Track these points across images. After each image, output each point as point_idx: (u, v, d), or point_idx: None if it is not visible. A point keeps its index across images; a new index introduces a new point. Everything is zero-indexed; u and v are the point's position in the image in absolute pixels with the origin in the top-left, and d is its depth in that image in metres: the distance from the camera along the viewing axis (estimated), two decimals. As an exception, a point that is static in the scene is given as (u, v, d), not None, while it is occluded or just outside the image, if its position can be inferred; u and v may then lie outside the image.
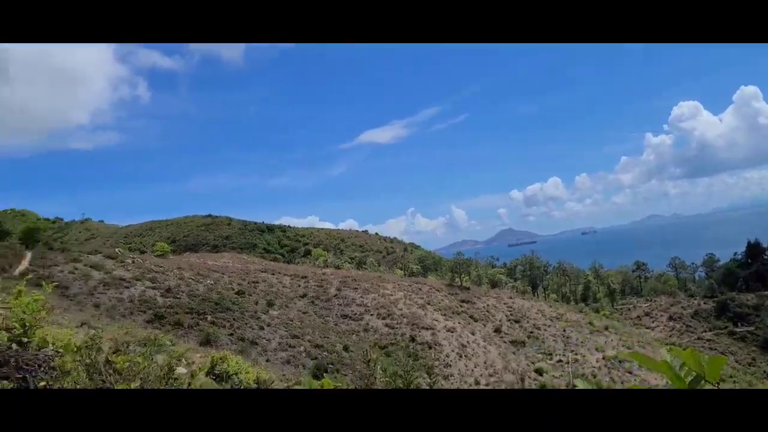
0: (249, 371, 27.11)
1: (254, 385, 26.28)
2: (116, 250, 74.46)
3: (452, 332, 57.64)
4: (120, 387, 4.24)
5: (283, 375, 32.75)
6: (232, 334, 49.50)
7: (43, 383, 4.73)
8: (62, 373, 5.75)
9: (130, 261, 63.52)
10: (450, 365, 51.99)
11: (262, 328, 52.32)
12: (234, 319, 52.66)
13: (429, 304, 63.80)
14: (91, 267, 58.23)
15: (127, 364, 7.86)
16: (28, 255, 58.90)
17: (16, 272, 50.10)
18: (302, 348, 50.24)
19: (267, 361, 44.74)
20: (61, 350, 18.34)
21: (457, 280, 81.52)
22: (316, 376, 40.63)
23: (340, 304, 62.10)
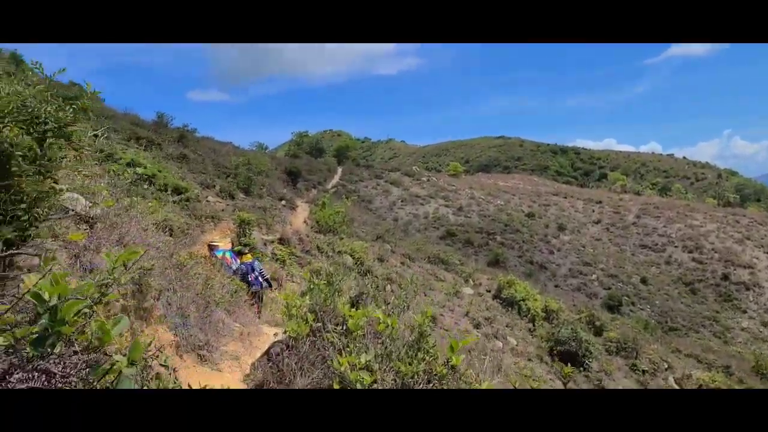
0: (537, 299, 28.40)
1: (542, 314, 27.81)
2: (413, 168, 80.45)
3: (777, 272, 49.11)
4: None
5: (573, 304, 33.17)
6: (520, 257, 50.08)
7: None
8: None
9: (425, 179, 67.54)
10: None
11: (551, 253, 51.71)
12: (523, 242, 52.80)
13: (748, 239, 54.66)
14: (391, 183, 63.27)
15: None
16: (340, 170, 66.32)
17: (329, 186, 57.44)
18: (594, 276, 48.46)
19: (556, 287, 44.73)
20: (360, 257, 21.45)
21: (785, 211, 70.01)
22: (610, 308, 39.86)
23: (639, 233, 57.30)
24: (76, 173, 4.99)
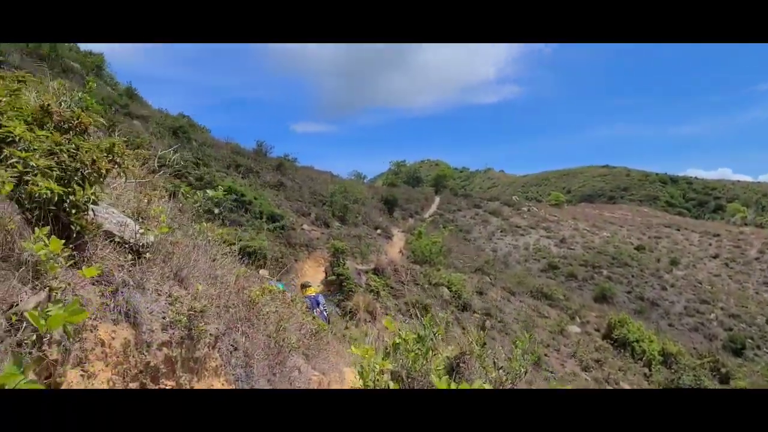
0: (652, 339, 26.02)
1: (659, 357, 25.34)
2: (513, 197, 78.75)
3: None
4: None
5: (693, 347, 30.22)
6: (629, 292, 47.02)
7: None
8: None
9: (525, 209, 65.61)
10: None
11: (664, 289, 47.95)
12: (632, 276, 49.42)
13: None
14: (490, 213, 61.72)
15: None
16: (437, 200, 65.50)
17: (426, 215, 56.66)
18: (713, 315, 43.87)
19: (669, 326, 41.73)
20: (458, 290, 20.21)
21: None
22: (734, 351, 36.25)
23: (763, 270, 51.84)
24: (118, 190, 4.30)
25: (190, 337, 3.75)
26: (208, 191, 6.11)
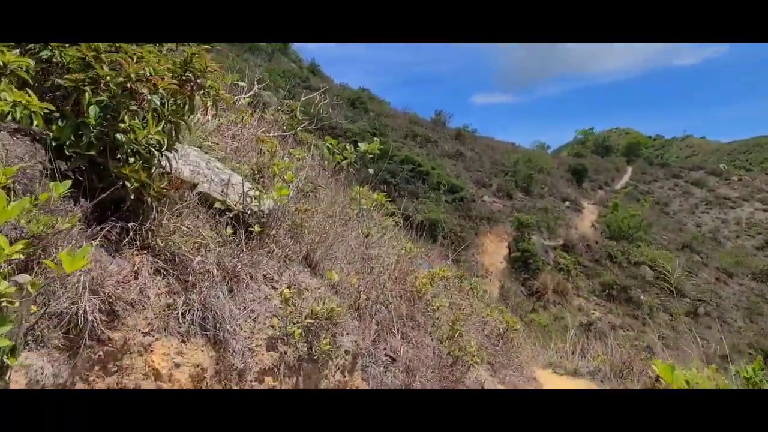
0: None
1: None
2: (720, 166, 70.29)
3: None
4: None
5: None
6: None
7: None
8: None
9: (736, 179, 58.19)
10: None
11: None
12: None
13: None
14: (692, 184, 55.51)
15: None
16: (629, 170, 60.23)
17: (617, 186, 52.41)
18: None
19: None
20: (663, 271, 17.34)
21: None
22: None
23: None
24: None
25: (311, 359, 2.43)
26: (360, 145, 4.75)
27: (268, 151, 3.21)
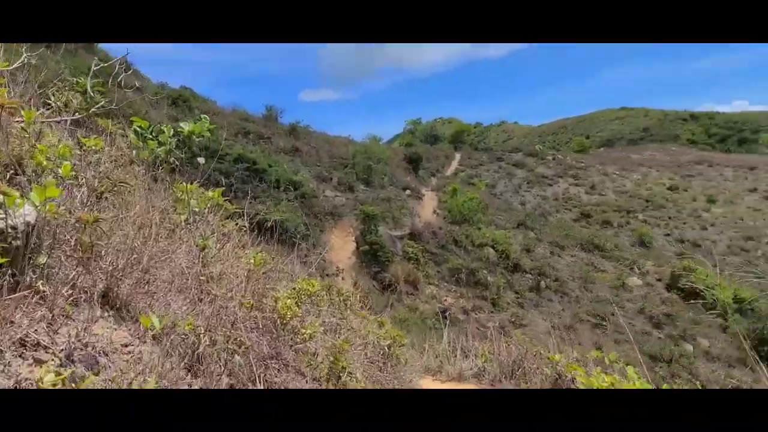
0: (725, 287, 23.51)
1: (734, 305, 22.84)
2: (536, 147, 75.90)
3: None
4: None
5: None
6: (668, 235, 44.58)
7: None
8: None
9: (550, 158, 62.88)
10: None
11: (704, 228, 45.26)
12: (669, 218, 46.86)
13: None
14: (513, 165, 59.02)
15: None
16: (457, 156, 62.87)
17: (448, 172, 54.22)
18: (759, 252, 41.63)
19: (714, 266, 39.37)
20: (504, 250, 17.85)
21: None
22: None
23: None
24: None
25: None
26: (182, 125, 3.60)
27: (23, 129, 2.03)
